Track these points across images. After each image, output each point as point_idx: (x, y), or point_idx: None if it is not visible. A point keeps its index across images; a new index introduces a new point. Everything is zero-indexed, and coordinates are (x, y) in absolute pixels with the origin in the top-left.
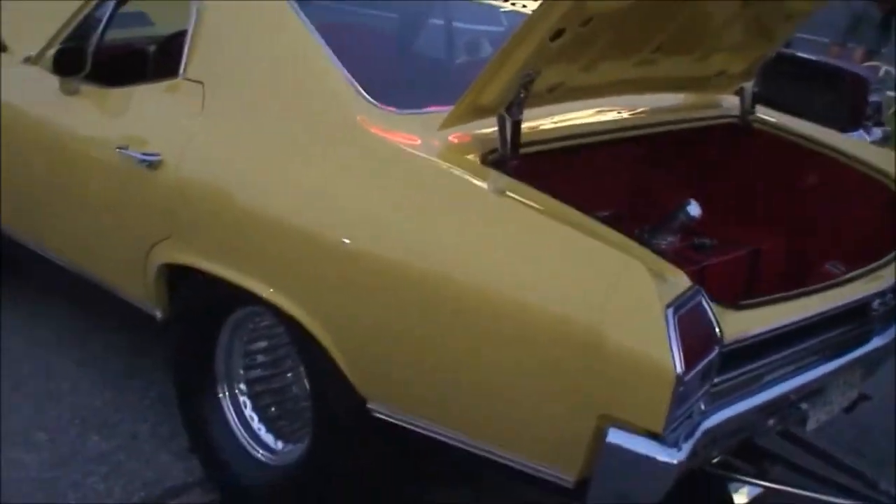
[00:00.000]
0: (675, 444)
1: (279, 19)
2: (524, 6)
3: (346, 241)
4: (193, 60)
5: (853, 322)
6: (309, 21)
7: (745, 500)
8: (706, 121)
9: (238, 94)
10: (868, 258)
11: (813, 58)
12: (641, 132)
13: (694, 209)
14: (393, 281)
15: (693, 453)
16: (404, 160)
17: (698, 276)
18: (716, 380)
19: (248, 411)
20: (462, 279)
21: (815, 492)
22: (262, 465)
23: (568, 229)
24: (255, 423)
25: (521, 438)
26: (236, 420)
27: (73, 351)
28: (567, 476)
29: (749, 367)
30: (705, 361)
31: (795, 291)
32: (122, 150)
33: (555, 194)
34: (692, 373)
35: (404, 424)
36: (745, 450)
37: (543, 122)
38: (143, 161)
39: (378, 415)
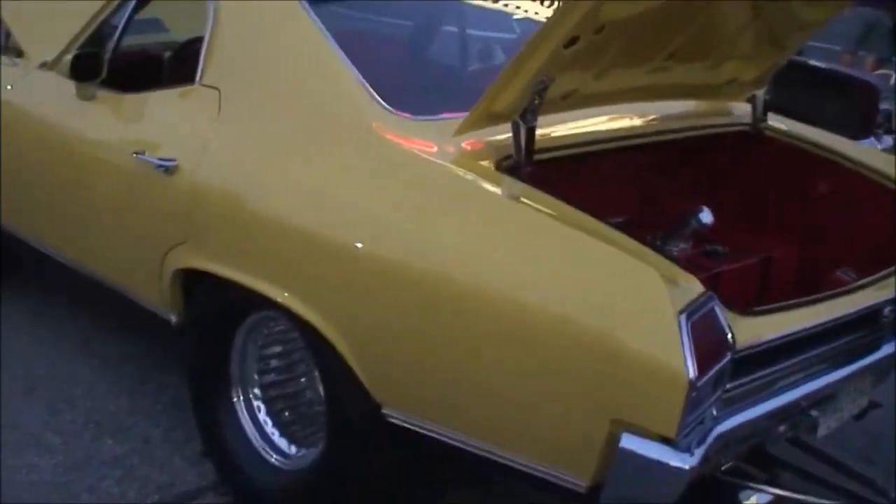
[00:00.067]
0: (688, 450)
1: (295, 27)
2: (536, 13)
3: (362, 245)
4: (210, 67)
5: (864, 329)
6: (325, 28)
7: None
8: (718, 128)
9: (254, 101)
10: (879, 266)
11: (824, 66)
12: (654, 139)
13: (706, 216)
14: (406, 286)
15: (705, 458)
16: (419, 166)
17: (710, 283)
18: (728, 386)
19: (262, 416)
20: (474, 284)
21: (825, 499)
22: (275, 470)
23: (582, 235)
24: (269, 428)
25: (534, 443)
26: (250, 424)
27: (88, 355)
28: (580, 481)
29: (761, 373)
30: (718, 367)
31: (807, 298)
32: (139, 156)
33: (568, 200)
34: (705, 378)
35: (418, 429)
36: (755, 456)
37: (557, 128)
38: (160, 166)
39: (392, 420)
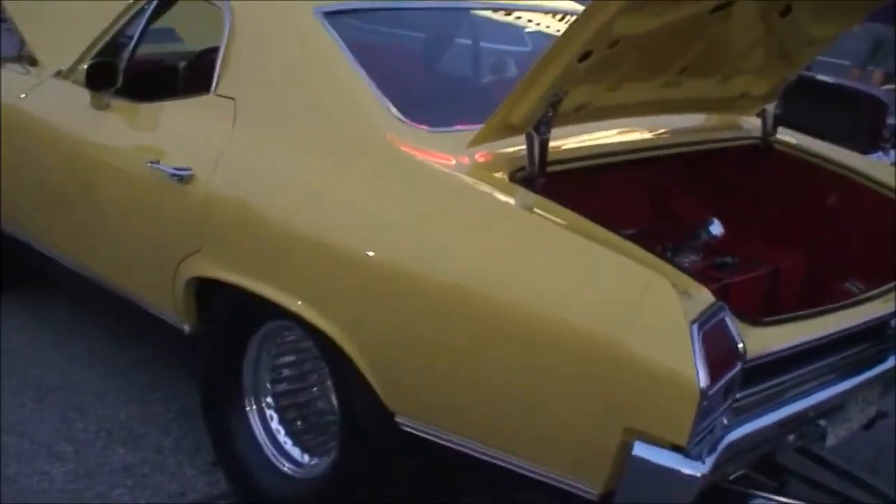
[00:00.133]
0: (699, 458)
1: (311, 38)
2: (548, 27)
3: (376, 255)
4: (225, 77)
5: (872, 340)
6: (341, 39)
7: None
8: (728, 142)
9: (269, 111)
10: (886, 278)
11: (832, 80)
12: (665, 152)
13: (716, 228)
14: (420, 295)
15: (716, 467)
16: (434, 177)
17: (720, 294)
18: (738, 395)
19: (275, 424)
20: (490, 293)
21: None
22: (287, 478)
23: (595, 246)
24: (282, 437)
25: (547, 451)
26: (263, 433)
27: (97, 364)
28: (592, 488)
29: (770, 383)
30: (728, 376)
31: (816, 309)
32: (153, 165)
33: (580, 212)
34: (716, 387)
35: (431, 437)
36: (764, 465)
37: (570, 141)
38: (175, 175)
39: (406, 428)
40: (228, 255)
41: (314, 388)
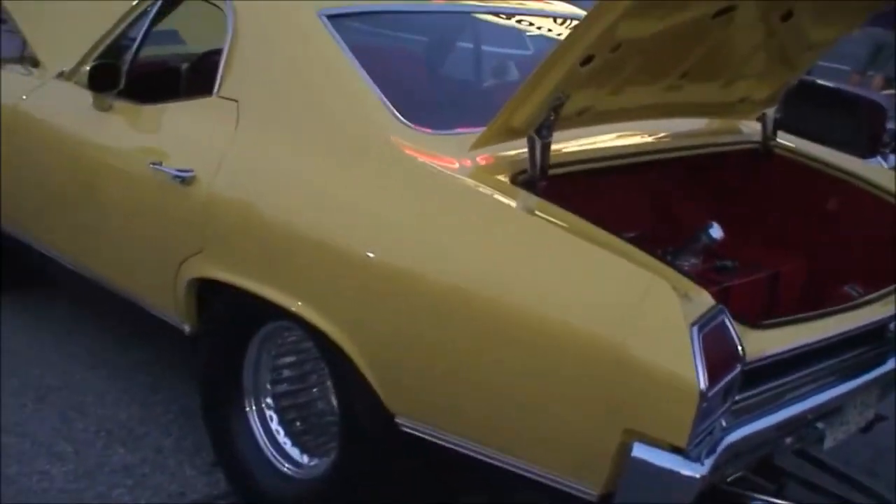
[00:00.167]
0: (698, 459)
1: (314, 40)
2: (550, 30)
3: (377, 256)
4: (228, 79)
5: (870, 343)
6: (344, 42)
7: None
8: (728, 146)
9: (272, 113)
10: (885, 281)
11: (832, 85)
12: (666, 156)
13: (716, 231)
14: (421, 296)
15: (715, 468)
16: (436, 179)
17: (720, 297)
18: (737, 397)
19: (275, 425)
20: (491, 295)
21: None
22: (287, 479)
23: (596, 248)
24: (281, 437)
25: (546, 453)
26: (262, 434)
27: (98, 364)
28: (591, 489)
29: (769, 385)
30: (728, 378)
31: (815, 313)
32: (156, 166)
33: (581, 215)
34: (715, 389)
35: (432, 439)
36: (762, 468)
37: (571, 144)
38: (177, 177)
39: (406, 429)
40: (230, 256)
41: (314, 389)
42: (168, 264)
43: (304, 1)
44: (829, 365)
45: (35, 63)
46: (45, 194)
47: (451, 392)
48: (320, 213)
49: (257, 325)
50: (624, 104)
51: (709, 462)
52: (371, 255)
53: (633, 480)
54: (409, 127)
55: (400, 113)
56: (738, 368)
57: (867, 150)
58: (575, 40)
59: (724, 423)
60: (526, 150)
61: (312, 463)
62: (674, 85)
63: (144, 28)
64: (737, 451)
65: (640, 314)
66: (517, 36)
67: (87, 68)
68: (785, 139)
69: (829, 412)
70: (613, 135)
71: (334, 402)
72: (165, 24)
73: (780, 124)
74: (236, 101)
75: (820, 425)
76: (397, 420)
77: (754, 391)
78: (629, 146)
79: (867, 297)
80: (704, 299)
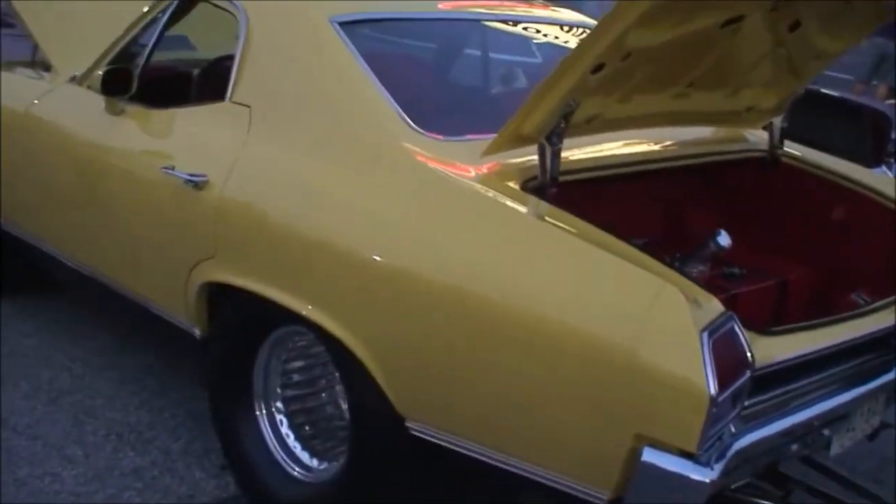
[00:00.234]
0: (708, 464)
1: (326, 47)
2: (556, 37)
3: (388, 261)
4: (240, 85)
5: (877, 351)
6: (356, 49)
7: None
8: (736, 154)
9: (284, 120)
10: (893, 289)
11: (836, 95)
12: (674, 164)
13: (724, 239)
14: (433, 301)
15: (725, 473)
16: (447, 185)
17: (728, 304)
18: (746, 403)
19: (285, 429)
20: (502, 300)
21: None
22: (297, 482)
23: (606, 254)
24: (291, 441)
25: (557, 457)
26: (272, 437)
27: (107, 367)
28: (602, 493)
29: (777, 391)
30: (737, 384)
31: (823, 320)
32: (168, 170)
33: (590, 221)
34: (725, 395)
35: (442, 442)
36: (768, 474)
37: (580, 151)
38: (189, 181)
39: (416, 433)
40: (242, 260)
41: (323, 394)
42: (179, 268)
43: (316, 8)
44: (836, 372)
45: (47, 67)
46: (57, 198)
47: (461, 396)
48: (332, 219)
49: (268, 329)
50: (632, 112)
51: (718, 467)
52: (382, 260)
53: (643, 485)
54: (421, 133)
55: (411, 119)
56: (748, 374)
57: (872, 159)
58: (586, 48)
59: (733, 429)
60: (536, 157)
61: (322, 466)
62: (681, 93)
63: (156, 33)
64: (746, 456)
65: (652, 320)
66: (526, 43)
67: (100, 73)
68: (791, 148)
69: (835, 419)
70: (621, 142)
71: (344, 406)
72: (177, 30)
73: (786, 133)
74: (249, 106)
75: (826, 432)
76: (408, 424)
77: (763, 397)
78: (637, 154)
79: (874, 305)
80: (714, 306)
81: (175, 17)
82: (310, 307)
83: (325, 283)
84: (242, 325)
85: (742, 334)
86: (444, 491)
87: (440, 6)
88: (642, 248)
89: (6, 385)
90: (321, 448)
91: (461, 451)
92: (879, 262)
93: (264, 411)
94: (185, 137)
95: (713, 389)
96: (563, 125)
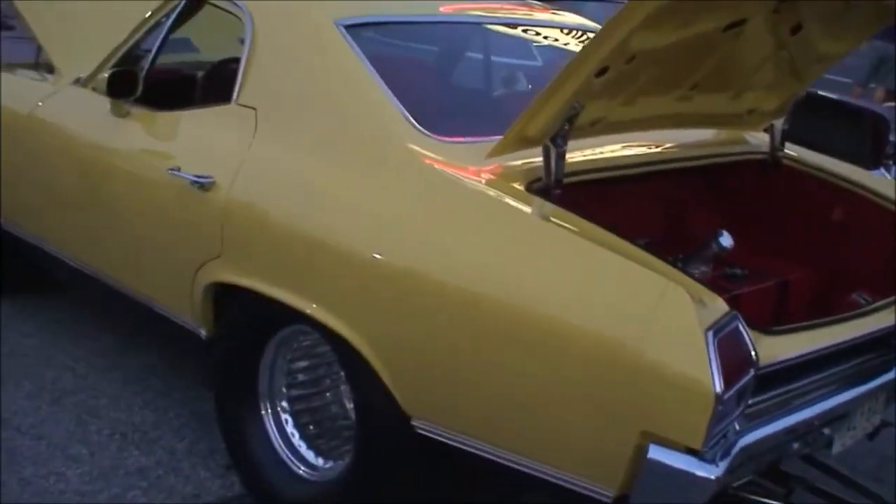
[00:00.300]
0: (713, 461)
1: (332, 50)
2: (556, 39)
3: (394, 261)
4: (246, 87)
5: (877, 350)
6: (361, 51)
7: None
8: (737, 156)
9: (290, 121)
10: (893, 289)
11: (836, 98)
12: (676, 165)
13: (726, 240)
14: (439, 300)
15: (729, 470)
16: (453, 187)
17: (731, 304)
18: (749, 401)
19: (290, 428)
20: (507, 300)
21: None
22: (302, 481)
23: (612, 254)
24: (296, 440)
25: (563, 455)
26: (278, 437)
27: (113, 368)
28: (607, 491)
29: (780, 390)
30: (742, 382)
31: (825, 319)
32: (174, 172)
33: (594, 222)
34: (730, 393)
35: (448, 441)
36: (770, 473)
37: (584, 153)
38: (196, 183)
39: (422, 431)
40: (248, 261)
41: (327, 393)
42: (185, 269)
43: (320, 11)
44: (837, 371)
45: (50, 69)
46: (61, 198)
47: (466, 394)
48: (338, 220)
49: (274, 329)
50: (636, 115)
51: (723, 464)
52: (388, 260)
53: (648, 482)
54: (427, 135)
55: (417, 121)
56: (752, 373)
57: (871, 161)
58: (591, 52)
59: (737, 427)
60: (540, 158)
61: (328, 465)
62: (684, 96)
63: (161, 36)
64: (750, 453)
65: (657, 319)
66: (529, 46)
67: (106, 75)
68: (792, 150)
69: (836, 417)
70: (624, 144)
71: (348, 405)
72: (182, 32)
73: (786, 135)
74: (254, 108)
75: (826, 431)
76: (413, 422)
77: (766, 396)
78: (640, 156)
79: (874, 305)
80: (719, 305)
81: (180, 20)
82: (316, 307)
83: (331, 284)
84: (248, 325)
85: (746, 333)
86: (449, 490)
87: (442, 9)
88: (645, 249)
89: (8, 385)
90: (326, 447)
91: (467, 449)
92: (879, 262)
93: (269, 411)
94: (191, 139)
95: (719, 387)
96: (567, 127)
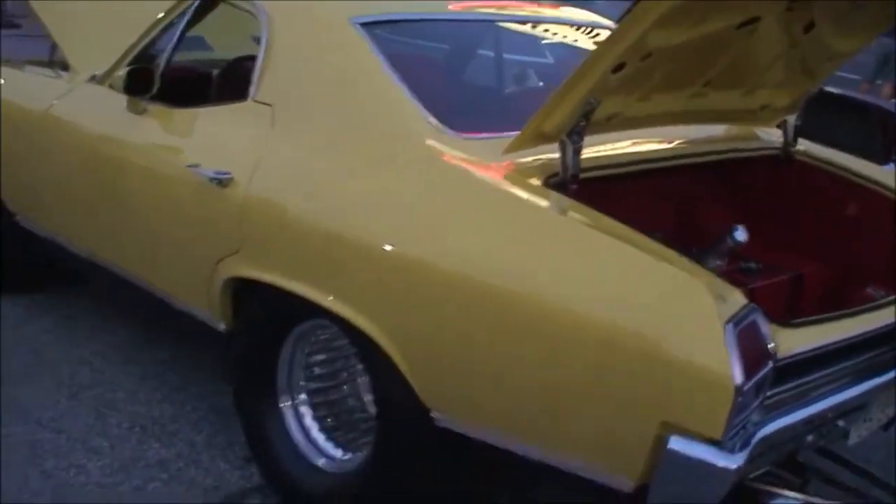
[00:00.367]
0: (733, 451)
1: (348, 47)
2: (566, 36)
3: (414, 256)
4: (263, 84)
5: (892, 343)
6: (377, 48)
7: None
8: (751, 151)
9: (307, 118)
10: None
11: (849, 94)
12: (690, 161)
13: (741, 234)
14: (457, 293)
15: (749, 461)
16: (471, 182)
17: (746, 298)
18: (768, 393)
19: (309, 420)
20: (526, 293)
21: None
22: (321, 472)
23: (631, 248)
24: (315, 432)
25: (583, 446)
26: (297, 429)
27: (131, 362)
28: (627, 481)
29: (797, 382)
30: (761, 374)
31: (841, 312)
32: (193, 168)
33: (610, 217)
34: (749, 384)
35: (467, 433)
36: (786, 464)
37: (600, 149)
38: (214, 179)
39: (441, 424)
40: (266, 256)
41: (345, 386)
42: (204, 264)
43: (336, 9)
44: (853, 363)
45: (65, 67)
46: (78, 195)
47: (485, 387)
48: (357, 215)
49: (293, 323)
50: (651, 111)
51: (743, 454)
52: (408, 254)
53: (668, 472)
54: (444, 132)
55: (434, 117)
56: (771, 364)
57: (881, 157)
58: (607, 49)
59: (755, 418)
60: (557, 154)
61: (346, 457)
62: (699, 93)
63: (177, 33)
64: (770, 444)
65: (677, 312)
66: (542, 44)
67: (123, 72)
68: (804, 146)
69: (853, 409)
70: (639, 140)
71: (367, 398)
72: (198, 30)
73: (799, 131)
74: (271, 105)
75: (841, 423)
76: (432, 415)
77: (783, 388)
78: (655, 151)
79: (889, 299)
80: (738, 298)
81: (196, 18)
82: (335, 301)
83: (350, 278)
84: (267, 320)
85: (765, 326)
86: (469, 481)
87: (455, 7)
88: (662, 243)
89: (27, 379)
90: (344, 439)
91: (487, 442)
92: (892, 256)
93: (288, 403)
94: (209, 136)
95: (738, 379)
96: (583, 123)
